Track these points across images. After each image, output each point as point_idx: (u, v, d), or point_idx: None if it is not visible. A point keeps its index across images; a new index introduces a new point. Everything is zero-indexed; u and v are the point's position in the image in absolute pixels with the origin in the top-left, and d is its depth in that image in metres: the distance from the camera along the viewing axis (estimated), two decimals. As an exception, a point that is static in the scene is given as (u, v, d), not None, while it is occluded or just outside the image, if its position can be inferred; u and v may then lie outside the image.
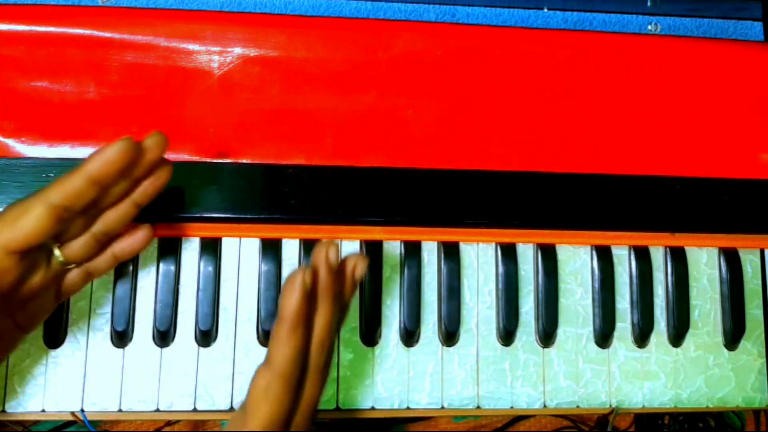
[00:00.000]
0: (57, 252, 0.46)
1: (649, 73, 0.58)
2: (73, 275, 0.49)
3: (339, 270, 0.46)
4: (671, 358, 0.58)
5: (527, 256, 0.58)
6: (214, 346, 0.54)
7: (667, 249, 0.59)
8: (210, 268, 0.54)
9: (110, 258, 0.49)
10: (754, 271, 0.60)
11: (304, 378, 0.44)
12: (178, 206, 0.53)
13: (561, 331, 0.57)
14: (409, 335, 0.55)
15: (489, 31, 0.58)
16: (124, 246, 0.49)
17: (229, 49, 0.54)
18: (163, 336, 0.53)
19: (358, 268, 0.47)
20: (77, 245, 0.47)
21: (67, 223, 0.45)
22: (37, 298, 0.47)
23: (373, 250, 0.56)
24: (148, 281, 0.54)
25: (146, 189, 0.47)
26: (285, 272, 0.55)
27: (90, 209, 0.46)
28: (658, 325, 0.58)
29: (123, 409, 0.53)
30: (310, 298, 0.43)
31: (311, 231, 0.55)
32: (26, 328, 0.48)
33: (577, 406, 0.57)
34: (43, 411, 0.52)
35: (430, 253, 0.57)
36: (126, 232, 0.49)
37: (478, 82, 0.57)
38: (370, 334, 0.55)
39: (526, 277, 0.58)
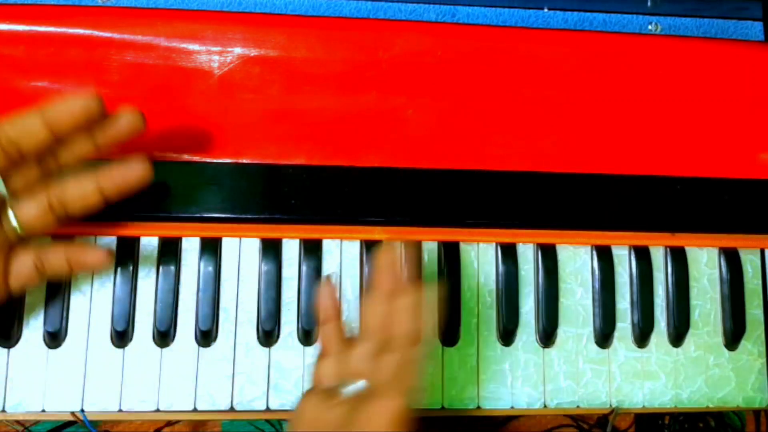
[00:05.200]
0: (11, 212, 0.44)
1: (650, 74, 0.58)
2: (25, 260, 0.45)
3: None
4: (671, 358, 0.58)
5: (527, 256, 0.58)
6: (214, 346, 0.54)
7: (668, 249, 0.59)
8: (210, 268, 0.54)
9: (63, 260, 0.46)
10: (754, 271, 0.60)
11: None
12: (178, 206, 0.53)
13: (561, 331, 0.57)
14: (409, 335, 0.55)
15: (489, 31, 0.58)
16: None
17: (229, 49, 0.54)
18: (163, 336, 0.53)
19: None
20: (32, 209, 0.44)
21: (17, 166, 0.43)
22: None
23: (373, 251, 0.56)
24: (148, 281, 0.54)
25: (115, 177, 0.45)
26: (285, 272, 0.55)
27: (44, 161, 0.44)
28: (658, 325, 0.58)
29: (123, 409, 0.53)
30: None
31: (311, 231, 0.55)
32: None
33: (578, 406, 0.57)
34: (43, 411, 0.52)
35: (430, 253, 0.57)
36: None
37: (478, 82, 0.57)
38: (370, 334, 0.55)
39: (526, 277, 0.57)
